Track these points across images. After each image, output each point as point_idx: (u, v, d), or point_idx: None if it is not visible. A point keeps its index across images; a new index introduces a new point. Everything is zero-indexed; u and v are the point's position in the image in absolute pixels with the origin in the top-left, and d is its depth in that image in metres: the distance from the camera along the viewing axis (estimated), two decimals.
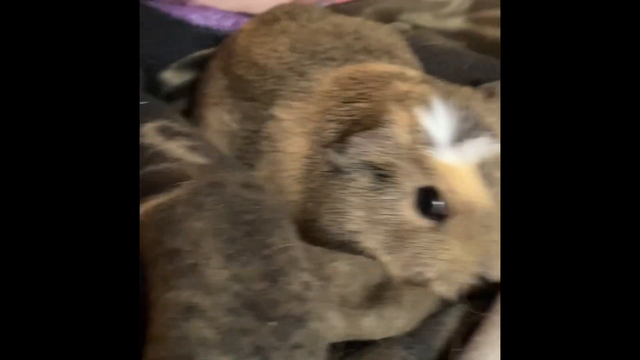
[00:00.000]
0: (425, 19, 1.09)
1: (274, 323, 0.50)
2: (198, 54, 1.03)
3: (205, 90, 0.91)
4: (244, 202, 0.58)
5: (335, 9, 1.11)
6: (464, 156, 0.64)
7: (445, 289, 0.65)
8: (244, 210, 0.57)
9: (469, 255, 0.63)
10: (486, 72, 0.95)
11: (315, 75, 0.78)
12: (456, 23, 1.08)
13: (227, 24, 1.04)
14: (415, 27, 1.10)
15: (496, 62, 0.98)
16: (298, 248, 0.56)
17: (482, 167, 0.65)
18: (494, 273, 0.63)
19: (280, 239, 0.55)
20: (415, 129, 0.66)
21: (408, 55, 0.89)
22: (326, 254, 0.63)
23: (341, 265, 0.62)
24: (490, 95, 0.80)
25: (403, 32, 1.06)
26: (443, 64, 0.97)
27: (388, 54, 0.84)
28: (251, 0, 1.06)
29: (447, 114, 0.66)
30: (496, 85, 0.89)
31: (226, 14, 1.06)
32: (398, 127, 0.66)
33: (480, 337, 0.60)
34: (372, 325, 0.58)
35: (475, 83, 0.93)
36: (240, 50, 0.87)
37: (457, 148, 0.65)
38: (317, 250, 0.63)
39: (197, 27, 1.06)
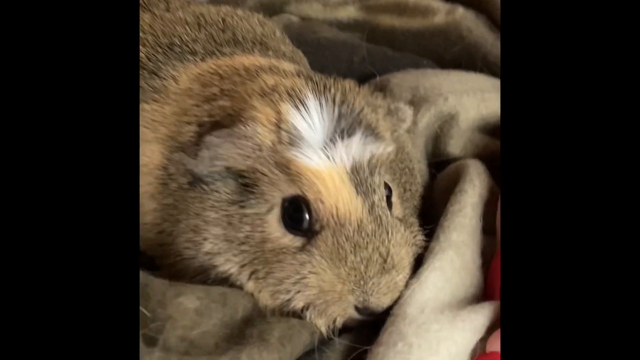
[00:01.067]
0: (315, 10, 0.99)
1: None
2: None
3: None
4: None
5: (216, 1, 1.00)
6: (335, 159, 0.55)
7: (319, 321, 0.55)
8: None
9: (340, 281, 0.54)
10: (380, 64, 0.87)
11: (171, 72, 0.67)
12: (348, 12, 0.98)
13: None
14: (304, 18, 1.00)
15: (391, 53, 0.89)
16: None
17: (357, 172, 0.55)
18: (373, 301, 0.54)
19: None
20: (280, 127, 0.56)
21: (287, 47, 0.79)
22: (170, 288, 0.52)
23: (189, 300, 0.51)
24: (380, 89, 0.70)
25: (289, 25, 0.96)
26: (333, 58, 0.89)
27: (261, 45, 0.74)
28: None
29: (318, 111, 0.57)
30: (390, 78, 0.81)
31: None
32: (260, 126, 0.56)
33: None
34: None
35: (368, 76, 0.85)
36: None
37: (328, 150, 0.55)
38: (158, 283, 0.52)
39: None
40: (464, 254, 0.59)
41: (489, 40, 0.85)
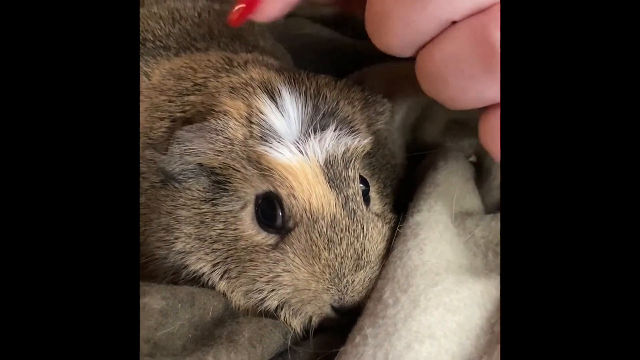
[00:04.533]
0: (298, 6, 0.96)
1: None
2: None
3: None
4: None
5: None
6: (308, 153, 0.53)
7: (294, 321, 0.53)
8: None
9: (314, 279, 0.52)
10: (364, 58, 0.84)
11: (143, 68, 0.65)
12: (332, 8, 0.95)
13: None
14: (288, 15, 0.98)
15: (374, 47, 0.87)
16: None
17: (331, 166, 0.53)
18: (348, 299, 0.52)
19: None
20: (252, 121, 0.54)
21: (266, 41, 0.77)
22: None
23: (154, 300, 0.49)
24: (358, 83, 0.67)
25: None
26: (316, 54, 0.87)
27: (239, 40, 0.71)
28: None
29: (292, 104, 0.55)
30: (368, 71, 0.78)
31: None
32: (231, 119, 0.54)
33: None
34: None
35: (350, 72, 0.82)
36: None
37: (300, 144, 0.53)
38: None
39: None
40: None
41: None
